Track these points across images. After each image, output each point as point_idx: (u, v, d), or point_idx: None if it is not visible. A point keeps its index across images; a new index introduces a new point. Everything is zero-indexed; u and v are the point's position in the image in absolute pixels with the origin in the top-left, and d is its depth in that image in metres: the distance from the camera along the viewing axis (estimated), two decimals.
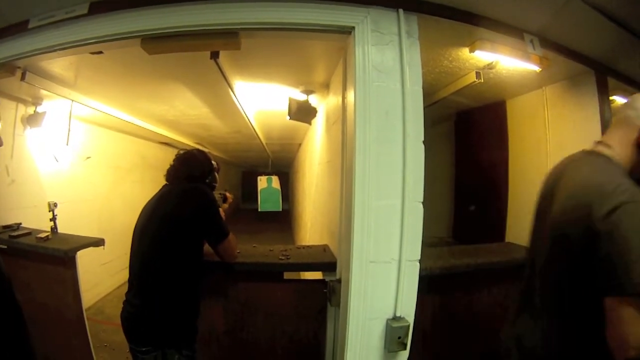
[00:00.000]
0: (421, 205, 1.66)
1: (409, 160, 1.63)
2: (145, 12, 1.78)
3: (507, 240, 3.09)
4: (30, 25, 1.92)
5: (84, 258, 2.90)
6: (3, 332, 0.98)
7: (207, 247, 2.08)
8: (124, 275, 5.73)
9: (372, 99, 1.63)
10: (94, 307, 5.00)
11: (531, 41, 2.01)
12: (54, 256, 2.77)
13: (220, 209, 2.32)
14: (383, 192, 1.63)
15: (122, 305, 1.99)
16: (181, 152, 2.31)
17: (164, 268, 1.89)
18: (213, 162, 2.35)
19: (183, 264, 1.92)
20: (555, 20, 1.93)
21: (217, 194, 2.41)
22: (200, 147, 2.40)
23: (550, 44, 2.08)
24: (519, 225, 3.02)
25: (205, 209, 2.01)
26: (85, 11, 1.82)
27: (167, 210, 1.99)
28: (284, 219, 13.25)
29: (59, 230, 3.25)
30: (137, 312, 1.89)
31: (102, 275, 5.38)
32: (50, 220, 3.24)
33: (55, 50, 1.95)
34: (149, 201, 2.15)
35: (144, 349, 1.87)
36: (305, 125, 3.64)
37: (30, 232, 3.07)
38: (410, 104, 1.65)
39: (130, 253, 2.05)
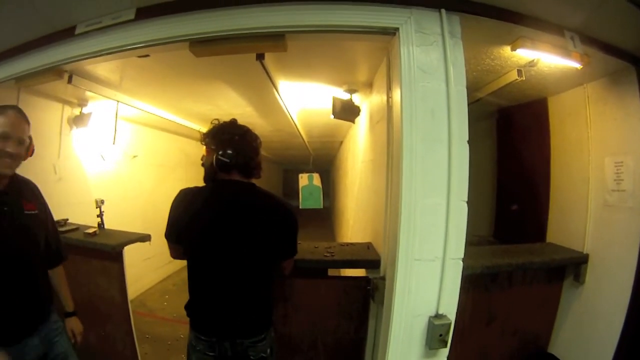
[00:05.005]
0: (466, 204, 1.67)
1: (454, 159, 1.64)
2: (193, 16, 1.84)
3: (548, 240, 3.03)
4: (77, 32, 2.00)
5: (128, 253, 3.01)
6: None
7: None
8: (166, 270, 6.10)
9: (418, 99, 1.65)
10: (136, 299, 5.17)
11: (571, 38, 1.97)
12: (101, 251, 2.88)
13: None
14: (429, 191, 1.64)
15: (202, 301, 1.86)
16: (225, 127, 1.86)
17: (249, 279, 1.82)
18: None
19: (265, 276, 1.87)
20: (595, 16, 1.89)
21: None
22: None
23: (590, 41, 2.04)
24: (560, 225, 2.97)
25: (293, 231, 1.91)
26: (132, 17, 1.89)
27: (251, 229, 1.78)
28: (324, 216, 13.31)
29: (105, 226, 3.39)
30: (234, 316, 1.81)
31: (145, 270, 5.59)
32: (97, 216, 3.39)
33: (102, 55, 2.03)
34: (211, 201, 1.81)
35: (254, 339, 1.82)
36: (346, 123, 3.66)
37: (77, 228, 3.21)
38: (455, 103, 1.66)
39: (203, 255, 1.81)
